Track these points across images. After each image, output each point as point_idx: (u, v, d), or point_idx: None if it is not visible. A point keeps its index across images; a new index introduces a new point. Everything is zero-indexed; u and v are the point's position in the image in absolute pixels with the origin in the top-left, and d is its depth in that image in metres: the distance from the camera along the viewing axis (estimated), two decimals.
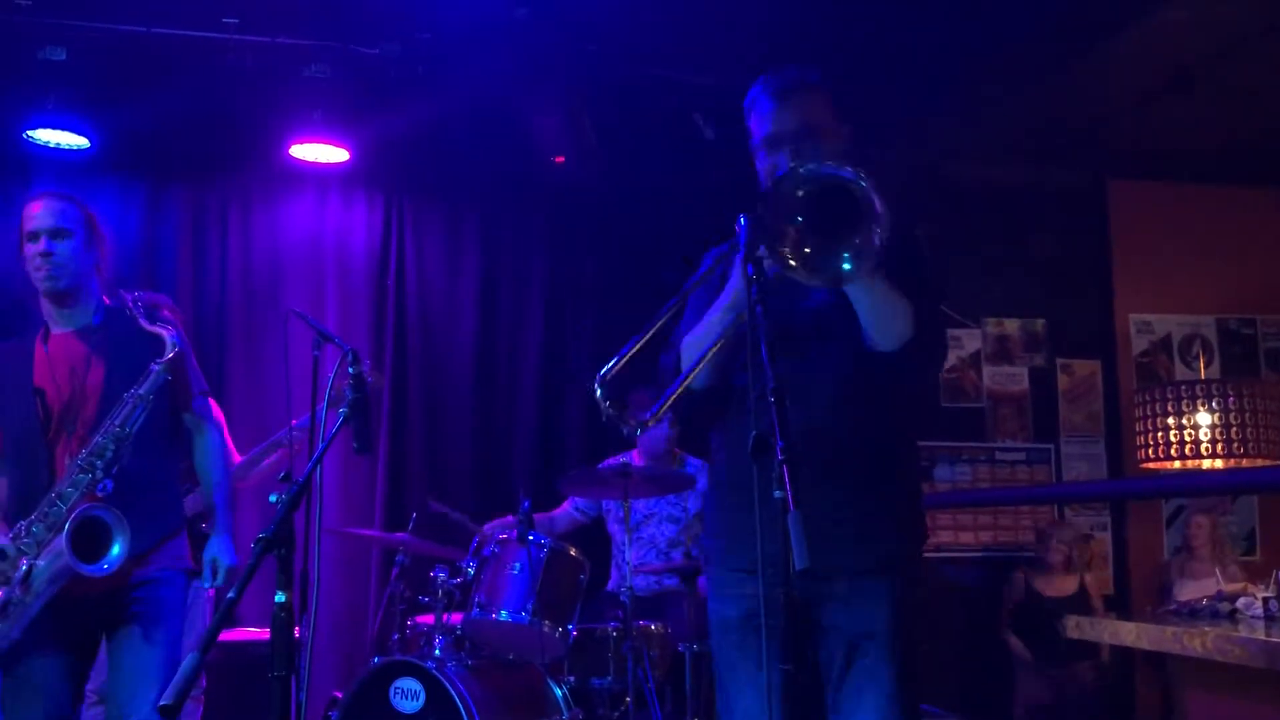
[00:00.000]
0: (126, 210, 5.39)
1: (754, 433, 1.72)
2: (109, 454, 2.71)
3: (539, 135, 5.20)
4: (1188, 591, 5.17)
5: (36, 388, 2.82)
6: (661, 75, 4.80)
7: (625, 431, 1.99)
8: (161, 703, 1.64)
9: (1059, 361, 6.18)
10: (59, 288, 2.87)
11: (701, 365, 2.11)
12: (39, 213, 2.90)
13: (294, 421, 4.16)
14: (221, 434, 3.11)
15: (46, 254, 2.84)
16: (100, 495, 2.69)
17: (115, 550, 2.65)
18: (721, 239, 2.18)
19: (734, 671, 2.18)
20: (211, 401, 3.11)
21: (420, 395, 5.59)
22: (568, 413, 5.68)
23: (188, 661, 1.66)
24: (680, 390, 2.04)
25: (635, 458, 4.65)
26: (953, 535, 5.95)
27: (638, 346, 2.00)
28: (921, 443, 5.93)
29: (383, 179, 5.67)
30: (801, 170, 1.92)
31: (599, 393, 1.93)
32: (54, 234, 2.87)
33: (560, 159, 5.37)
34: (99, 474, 2.68)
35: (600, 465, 4.61)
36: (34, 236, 2.88)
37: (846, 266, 1.90)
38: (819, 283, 1.96)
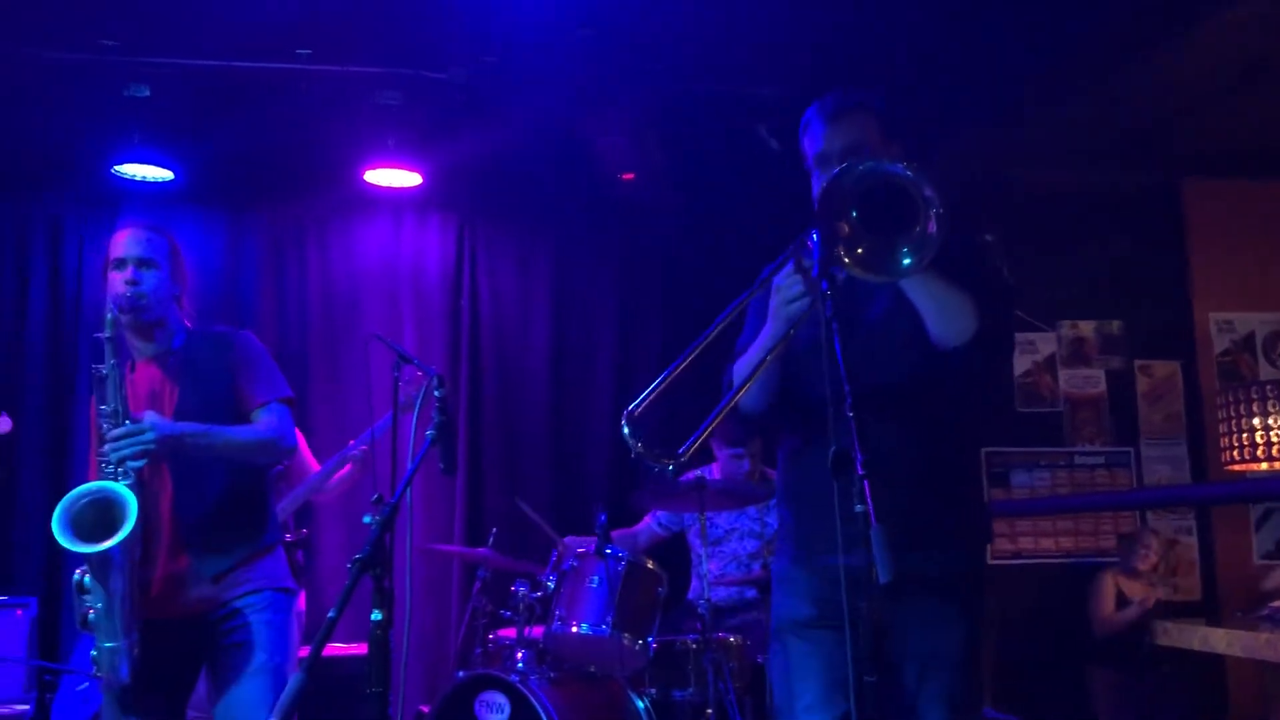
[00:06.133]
0: (209, 239, 5.55)
1: (833, 448, 1.75)
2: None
3: (606, 154, 5.25)
4: None
5: None
6: (726, 89, 4.83)
7: (656, 470, 1.98)
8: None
9: (1137, 363, 6.08)
10: (142, 320, 2.83)
11: (744, 388, 2.13)
12: (126, 241, 2.87)
13: (351, 443, 4.30)
14: (271, 430, 2.83)
15: (133, 282, 2.81)
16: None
17: (126, 526, 2.49)
18: (779, 253, 2.21)
19: (803, 667, 2.19)
20: (285, 410, 2.90)
21: (496, 413, 5.68)
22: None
23: (293, 682, 1.72)
24: (714, 425, 2.04)
25: (713, 471, 4.68)
26: (1033, 542, 5.87)
27: (667, 381, 2.00)
28: (997, 449, 5.93)
29: (455, 201, 5.77)
30: (859, 169, 1.95)
31: (626, 430, 1.92)
32: (141, 264, 2.84)
33: (629, 176, 5.42)
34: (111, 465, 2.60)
35: (678, 480, 4.65)
36: (121, 264, 2.85)
37: (906, 261, 1.92)
38: (878, 279, 1.98)
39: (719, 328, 2.11)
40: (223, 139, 5.05)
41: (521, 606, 4.05)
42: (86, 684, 4.41)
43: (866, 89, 2.31)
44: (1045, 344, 6.06)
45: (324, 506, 5.09)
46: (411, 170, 5.18)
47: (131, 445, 2.57)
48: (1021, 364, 6.00)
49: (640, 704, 3.92)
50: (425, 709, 4.14)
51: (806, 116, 2.29)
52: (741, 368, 2.24)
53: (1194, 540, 5.93)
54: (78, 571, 2.60)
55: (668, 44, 4.54)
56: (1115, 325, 6.10)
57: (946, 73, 4.59)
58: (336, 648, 4.50)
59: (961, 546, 2.20)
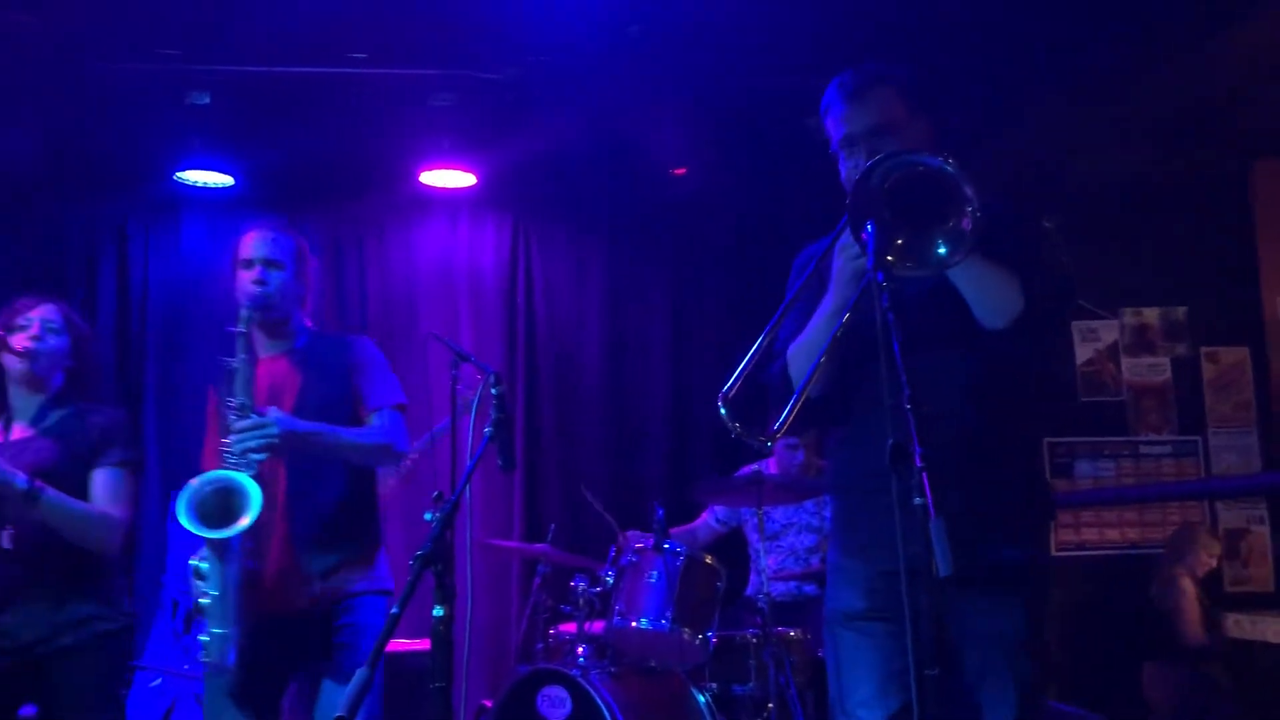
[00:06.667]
0: None
1: (891, 441, 1.73)
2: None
3: (658, 149, 5.26)
4: None
5: None
6: (777, 82, 4.80)
7: (755, 447, 1.99)
8: (338, 714, 1.73)
9: (1204, 350, 5.96)
10: (269, 318, 2.89)
11: (816, 374, 2.10)
12: (254, 242, 2.93)
13: (414, 443, 4.32)
14: (385, 435, 2.89)
15: (260, 282, 2.86)
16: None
17: (250, 515, 2.58)
18: (815, 239, 2.19)
19: (855, 660, 2.17)
20: (398, 416, 2.95)
21: (553, 410, 5.71)
22: (698, 422, 5.73)
23: (359, 675, 1.75)
24: (800, 402, 2.04)
25: (770, 466, 4.67)
26: (1097, 533, 5.78)
27: (755, 361, 2.01)
28: (1060, 439, 5.84)
29: (509, 200, 5.81)
30: (885, 162, 1.90)
31: (724, 412, 1.94)
32: (268, 264, 2.89)
33: (681, 171, 5.43)
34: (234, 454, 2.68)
35: (734, 474, 4.65)
36: (248, 264, 2.90)
37: (942, 251, 1.89)
38: (916, 273, 1.94)
39: (791, 303, 2.11)
40: (281, 144, 5.15)
41: (581, 601, 4.07)
42: (159, 680, 4.52)
43: (886, 61, 2.23)
44: (1107, 332, 5.96)
45: (382, 501, 5.14)
46: (466, 170, 5.24)
47: (256, 438, 2.64)
48: (1083, 353, 5.91)
49: (701, 699, 3.92)
50: (488, 703, 4.18)
51: (826, 98, 2.21)
52: (801, 344, 2.18)
53: (1265, 529, 5.80)
54: (194, 558, 2.67)
55: (717, 39, 4.53)
56: (1180, 312, 5.98)
57: (1007, 59, 4.53)
58: (399, 643, 4.56)
59: (1021, 531, 2.15)
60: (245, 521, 2.57)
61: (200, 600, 2.64)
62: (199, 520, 2.58)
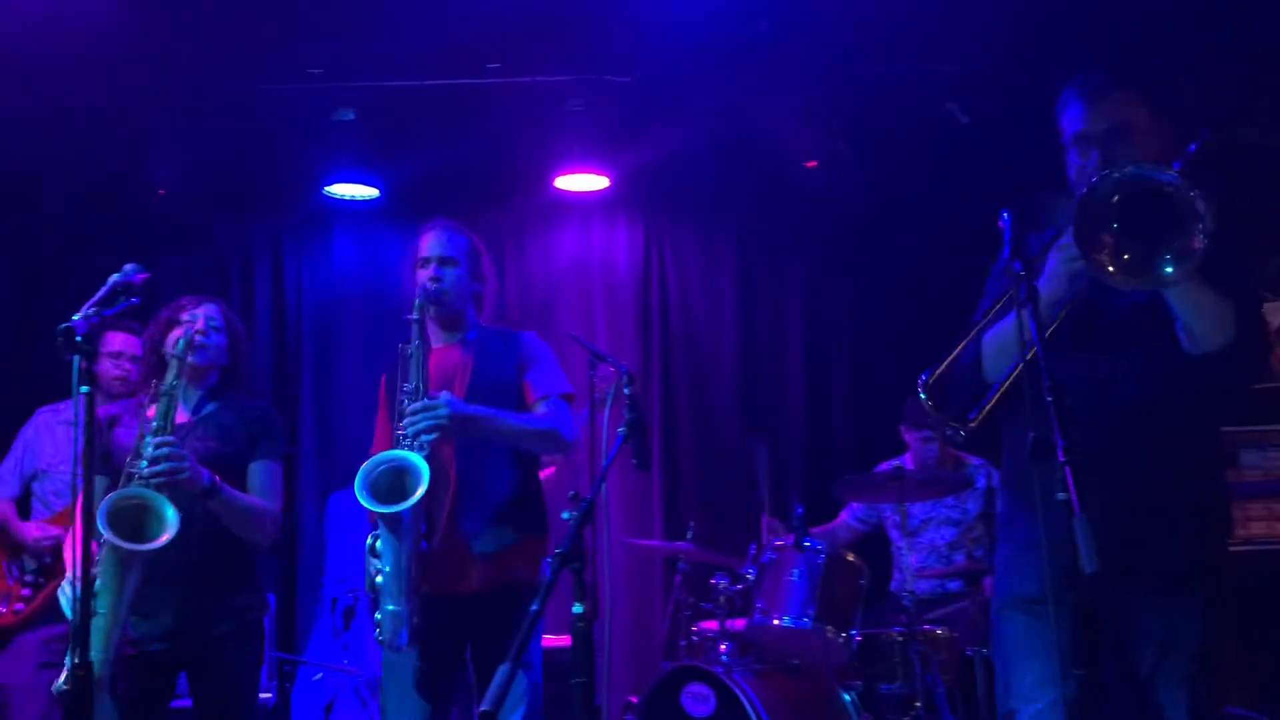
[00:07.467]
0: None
1: (1032, 435, 1.71)
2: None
3: (788, 145, 5.23)
4: None
5: None
6: (906, 70, 4.71)
7: (949, 435, 2.08)
8: (481, 708, 1.79)
9: None
10: (444, 314, 3.03)
11: (1009, 366, 2.10)
12: (430, 241, 3.10)
13: None
14: (551, 421, 2.95)
15: (436, 279, 3.00)
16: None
17: (419, 490, 2.65)
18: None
19: (1028, 646, 2.16)
20: (565, 405, 3.01)
21: (689, 408, 5.73)
22: (834, 420, 5.67)
23: (501, 671, 1.81)
24: (1001, 394, 2.06)
25: (908, 461, 4.59)
26: (1266, 527, 5.48)
27: (960, 347, 2.10)
28: (1223, 428, 5.52)
29: (641, 201, 5.85)
30: (1115, 175, 1.93)
31: (924, 397, 2.06)
32: (443, 262, 3.05)
33: (812, 164, 5.38)
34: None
35: (874, 470, 4.58)
36: (425, 263, 3.06)
37: (1168, 270, 1.89)
38: (1137, 286, 1.95)
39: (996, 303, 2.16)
40: (422, 156, 5.31)
41: (722, 599, 4.09)
42: (320, 675, 4.72)
43: (1132, 65, 2.29)
44: (1274, 314, 5.62)
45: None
46: (599, 174, 5.30)
47: (427, 419, 2.76)
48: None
49: (846, 697, 3.89)
50: (634, 699, 4.23)
51: (1064, 95, 2.24)
52: (998, 336, 2.16)
53: None
54: (370, 536, 2.81)
55: (846, 29, 4.47)
56: None
57: (1142, 26, 4.32)
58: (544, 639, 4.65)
59: (1199, 536, 2.13)
60: (416, 495, 2.66)
61: (375, 578, 2.74)
62: (373, 497, 2.69)
